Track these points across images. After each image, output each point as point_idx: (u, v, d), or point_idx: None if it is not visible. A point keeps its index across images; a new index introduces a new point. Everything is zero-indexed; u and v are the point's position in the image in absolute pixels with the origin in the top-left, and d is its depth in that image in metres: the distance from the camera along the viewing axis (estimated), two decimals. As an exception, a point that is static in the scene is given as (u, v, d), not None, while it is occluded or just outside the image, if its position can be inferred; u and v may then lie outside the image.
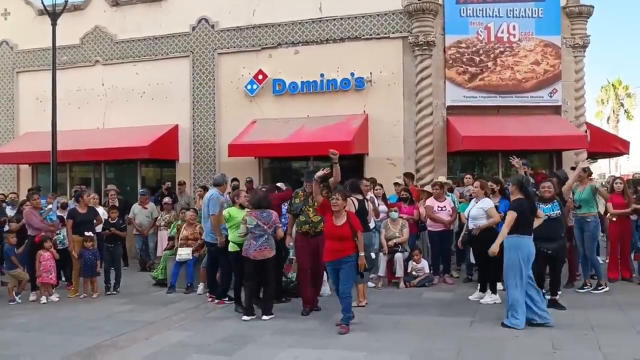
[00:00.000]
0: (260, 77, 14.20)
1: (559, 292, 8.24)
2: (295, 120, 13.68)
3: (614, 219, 9.70)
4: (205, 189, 12.54)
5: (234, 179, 12.60)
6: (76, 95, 15.73)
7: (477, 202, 8.56)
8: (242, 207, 8.56)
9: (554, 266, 8.03)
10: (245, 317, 7.82)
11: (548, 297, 7.99)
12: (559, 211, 7.97)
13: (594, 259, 9.13)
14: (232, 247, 8.31)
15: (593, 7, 13.27)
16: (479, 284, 8.78)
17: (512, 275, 7.03)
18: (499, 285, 8.49)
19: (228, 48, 14.62)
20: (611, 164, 50.73)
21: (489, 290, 8.51)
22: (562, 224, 8.15)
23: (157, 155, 14.41)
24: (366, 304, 8.40)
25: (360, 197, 8.79)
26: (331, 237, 7.29)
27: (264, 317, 7.80)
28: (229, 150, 13.32)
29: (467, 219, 8.62)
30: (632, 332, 6.77)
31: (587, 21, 13.37)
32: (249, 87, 14.27)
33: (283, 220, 8.85)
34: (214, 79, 14.68)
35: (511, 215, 7.01)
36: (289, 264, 9.15)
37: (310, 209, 8.10)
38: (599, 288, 8.85)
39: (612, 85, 53.19)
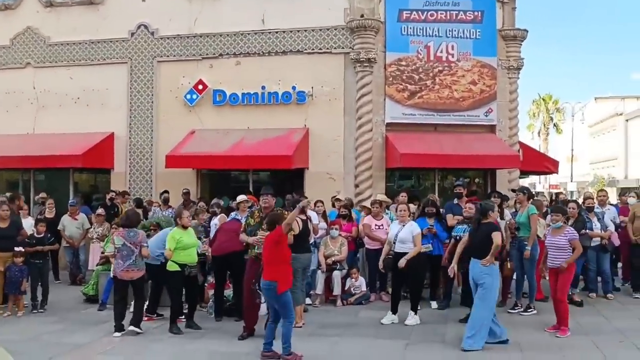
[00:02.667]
0: (200, 87, 13.98)
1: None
2: (235, 131, 13.53)
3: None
4: (139, 203, 12.24)
5: (165, 192, 12.35)
6: (5, 98, 15.04)
7: (403, 225, 8.59)
8: (184, 227, 8.35)
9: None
10: (116, 334, 7.99)
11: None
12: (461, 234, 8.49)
13: (533, 281, 9.40)
14: (172, 267, 8.12)
15: (527, 31, 13.77)
16: (391, 308, 8.74)
17: (491, 298, 7.33)
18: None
19: (168, 56, 14.32)
20: (540, 176, 52.82)
21: (411, 312, 8.56)
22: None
23: (91, 164, 13.97)
24: (303, 324, 8.37)
25: (303, 217, 8.72)
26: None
27: (130, 328, 8.01)
28: (167, 161, 13.04)
29: (394, 242, 8.59)
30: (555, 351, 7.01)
31: (521, 44, 13.86)
32: (188, 96, 14.02)
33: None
34: (152, 87, 14.34)
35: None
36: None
37: (263, 232, 7.82)
38: (529, 310, 9.12)
39: (543, 99, 55.44)
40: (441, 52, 13.45)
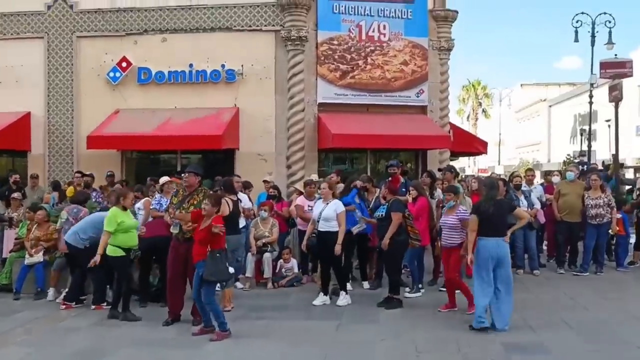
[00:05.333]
0: (124, 64, 13.32)
1: (407, 290, 8.72)
2: (162, 111, 13.01)
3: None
4: (57, 185, 11.47)
5: (85, 174, 11.61)
6: None
7: (327, 204, 8.42)
8: (125, 209, 7.86)
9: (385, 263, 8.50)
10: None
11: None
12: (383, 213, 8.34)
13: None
14: (117, 252, 7.63)
15: (457, 12, 13.88)
16: (321, 289, 8.58)
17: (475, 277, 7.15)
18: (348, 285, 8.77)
19: (89, 31, 13.56)
20: (470, 159, 54.23)
21: (341, 292, 8.42)
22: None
23: (5, 146, 13.12)
24: (232, 308, 8.08)
25: (234, 197, 8.41)
26: (195, 238, 6.95)
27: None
28: (88, 142, 12.38)
29: (318, 221, 8.38)
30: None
31: (452, 25, 13.95)
32: (111, 74, 13.33)
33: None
34: (72, 65, 13.55)
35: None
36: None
37: (184, 211, 7.44)
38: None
39: (472, 85, 56.77)
40: (373, 31, 13.34)
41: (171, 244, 7.58)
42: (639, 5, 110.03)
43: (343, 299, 8.32)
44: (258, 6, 13.09)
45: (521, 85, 62.39)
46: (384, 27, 13.38)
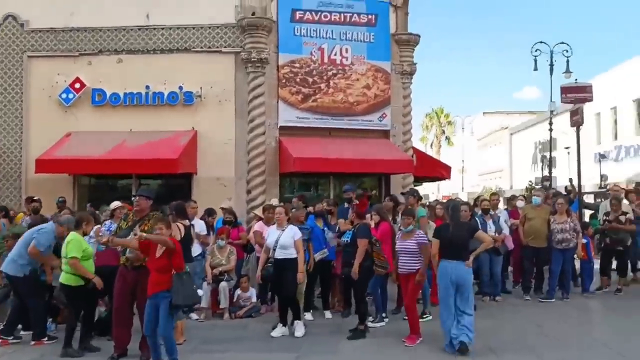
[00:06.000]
0: (77, 85, 12.79)
1: (371, 319, 8.24)
2: (116, 134, 12.48)
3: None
4: (5, 211, 10.78)
5: (34, 200, 10.95)
6: None
7: (283, 230, 8.03)
8: (84, 234, 7.37)
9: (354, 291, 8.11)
10: None
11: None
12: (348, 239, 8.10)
13: (425, 285, 9.14)
14: (77, 281, 7.06)
15: (419, 36, 13.81)
16: (280, 319, 8.14)
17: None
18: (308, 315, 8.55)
19: (40, 51, 13.01)
20: (434, 185, 54.59)
21: (296, 321, 7.96)
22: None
23: (-53, 169, 12.35)
24: (184, 341, 7.56)
25: (187, 222, 7.94)
26: (151, 268, 6.45)
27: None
28: (37, 166, 11.78)
29: (274, 249, 7.93)
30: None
31: (414, 49, 13.88)
32: (64, 96, 12.79)
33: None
34: (21, 85, 12.96)
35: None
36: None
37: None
38: (424, 316, 8.82)
39: (436, 113, 57.48)
40: (335, 54, 13.16)
41: (118, 272, 7.07)
42: (594, 35, 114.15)
43: (300, 329, 7.87)
44: (217, 27, 12.78)
45: (483, 113, 63.44)
46: (347, 51, 13.22)
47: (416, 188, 12.95)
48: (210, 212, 10.00)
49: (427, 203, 12.78)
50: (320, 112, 13.01)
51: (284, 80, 12.81)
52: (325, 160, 12.09)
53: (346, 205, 9.90)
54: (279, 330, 7.94)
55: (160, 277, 6.30)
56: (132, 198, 7.54)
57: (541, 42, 21.78)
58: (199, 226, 9.21)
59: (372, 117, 13.40)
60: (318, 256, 8.61)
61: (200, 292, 6.70)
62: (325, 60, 13.09)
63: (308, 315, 8.96)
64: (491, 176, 58.10)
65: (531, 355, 6.87)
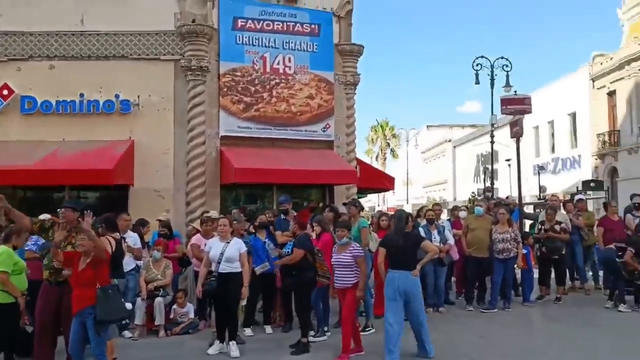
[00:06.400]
0: (5, 92, 12.12)
1: (312, 334, 7.98)
2: (48, 144, 11.86)
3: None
4: None
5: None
6: None
7: (228, 242, 7.71)
8: (15, 248, 6.87)
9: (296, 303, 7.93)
10: None
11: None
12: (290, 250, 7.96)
13: (367, 299, 8.98)
14: (7, 299, 6.54)
15: (363, 46, 13.77)
16: (217, 336, 7.72)
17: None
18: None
19: (-37, 55, 12.28)
20: (379, 197, 55.03)
21: (233, 342, 7.54)
22: (304, 261, 7.79)
23: None
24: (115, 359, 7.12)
25: (117, 235, 7.49)
26: (74, 283, 6.01)
27: None
28: (-43, 177, 11.00)
29: (219, 262, 7.54)
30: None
31: (357, 60, 13.84)
32: (-10, 103, 12.08)
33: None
34: (-57, 91, 12.17)
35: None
36: None
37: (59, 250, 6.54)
38: (366, 329, 8.64)
39: (381, 126, 58.08)
40: (278, 64, 12.96)
41: (41, 287, 6.60)
42: (533, 51, 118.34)
43: (235, 350, 7.50)
44: (156, 34, 12.38)
45: (427, 126, 64.56)
46: (289, 60, 13.05)
47: (358, 199, 12.85)
48: (142, 223, 9.56)
49: (372, 213, 12.71)
50: (263, 121, 12.76)
51: (225, 89, 12.51)
52: (267, 170, 11.83)
53: (283, 216, 9.66)
54: (216, 347, 7.59)
55: (85, 291, 5.89)
56: (58, 210, 7.07)
57: (482, 56, 22.15)
58: (132, 239, 8.77)
59: (316, 128, 13.24)
60: (259, 269, 8.32)
61: (129, 305, 6.29)
62: (268, 69, 12.87)
63: (248, 331, 8.66)
64: (435, 188, 59.07)
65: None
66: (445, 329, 8.73)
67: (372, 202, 57.04)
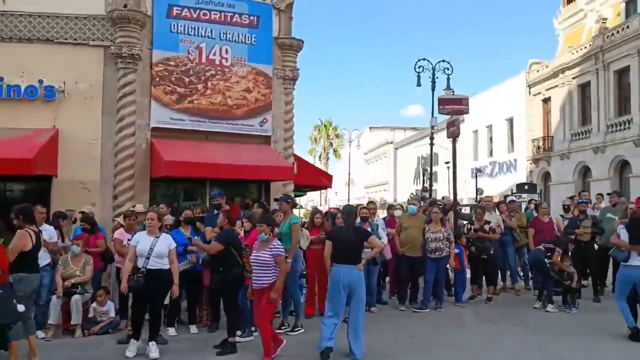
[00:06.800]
0: None
1: (239, 334, 7.72)
2: (-38, 131, 11.04)
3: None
4: None
5: None
6: None
7: (157, 237, 7.29)
8: None
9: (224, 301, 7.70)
10: None
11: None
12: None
13: (298, 298, 8.74)
14: None
15: (303, 41, 13.51)
16: (132, 334, 7.36)
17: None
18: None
19: None
20: (321, 197, 55.04)
21: (151, 343, 7.17)
22: (230, 257, 7.50)
23: None
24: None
25: (36, 228, 7.01)
26: None
27: None
28: None
29: (147, 257, 7.15)
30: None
31: (297, 54, 13.55)
32: None
33: None
34: None
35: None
36: None
37: None
38: (295, 329, 8.40)
39: (324, 125, 58.09)
40: (214, 55, 12.52)
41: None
42: (476, 57, 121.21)
43: (155, 350, 7.10)
44: (85, 18, 11.73)
45: (370, 128, 65.08)
46: (226, 52, 12.63)
47: (298, 196, 12.63)
48: (61, 216, 9.01)
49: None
50: (197, 114, 12.30)
51: (157, 79, 11.98)
52: (200, 164, 11.37)
53: (215, 212, 9.29)
54: (134, 347, 7.15)
55: None
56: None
57: (424, 59, 22.27)
58: (48, 233, 8.22)
59: (253, 122, 12.88)
60: (182, 266, 7.94)
61: (20, 307, 5.81)
62: (204, 60, 12.41)
63: (172, 331, 8.29)
64: (377, 189, 59.57)
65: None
66: (376, 329, 8.58)
67: (314, 202, 56.98)
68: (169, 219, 8.65)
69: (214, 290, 8.19)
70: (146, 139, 11.84)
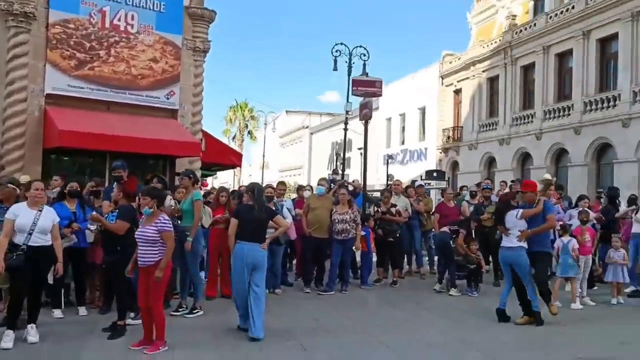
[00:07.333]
0: None
1: (132, 316, 7.28)
2: None
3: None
4: None
5: None
6: None
7: (40, 210, 6.60)
8: None
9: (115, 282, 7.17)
10: None
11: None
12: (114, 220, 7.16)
13: (198, 278, 8.31)
14: None
15: (215, 12, 12.96)
16: (7, 323, 6.52)
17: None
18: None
19: None
20: (235, 179, 54.20)
21: (32, 325, 6.51)
22: (119, 238, 7.01)
23: None
24: None
25: None
26: None
27: None
28: None
29: (30, 233, 6.42)
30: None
31: (208, 25, 13.00)
32: None
33: None
34: None
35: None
36: None
37: None
38: (194, 312, 7.98)
39: (240, 106, 57.13)
40: (119, 20, 11.76)
41: None
42: (391, 46, 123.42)
43: (35, 334, 6.46)
44: (-28, -31, 10.65)
45: (286, 111, 64.74)
46: (132, 18, 11.88)
47: (216, 181, 12.08)
48: None
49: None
50: (98, 82, 11.50)
51: (54, 42, 11.08)
52: (99, 136, 10.63)
53: (115, 185, 8.66)
54: (11, 337, 6.39)
55: None
56: None
57: (341, 43, 22.10)
58: None
59: (159, 94, 12.22)
60: (64, 243, 7.27)
61: None
62: (107, 24, 11.61)
63: (57, 312, 7.64)
64: (291, 173, 59.44)
65: (300, 351, 6.42)
66: (280, 312, 8.34)
67: (227, 184, 56.08)
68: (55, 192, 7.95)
69: (106, 269, 7.62)
70: (39, 106, 10.95)
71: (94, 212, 7.66)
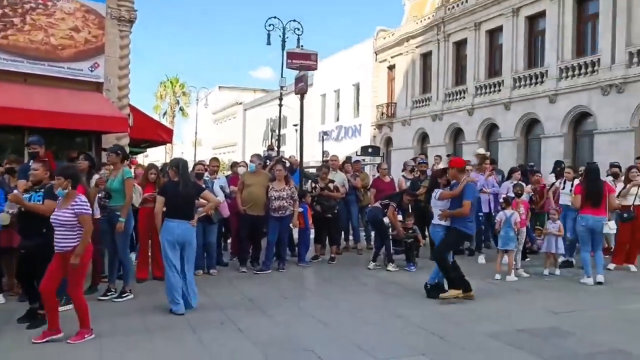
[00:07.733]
0: None
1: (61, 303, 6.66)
2: None
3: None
4: None
5: None
6: None
7: None
8: None
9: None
10: None
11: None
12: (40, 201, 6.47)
13: (126, 260, 7.84)
14: None
15: (141, -21, 12.23)
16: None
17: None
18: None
19: None
20: (166, 156, 52.80)
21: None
22: (43, 220, 6.41)
23: None
24: None
25: None
26: None
27: None
28: None
29: None
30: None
31: (135, -7, 12.26)
32: None
33: None
34: None
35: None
36: None
37: None
38: (123, 295, 7.56)
39: (170, 82, 55.48)
40: (35, -15, 10.88)
41: None
42: (326, 19, 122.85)
43: None
44: None
45: (219, 87, 63.48)
46: (50, -18, 11.05)
47: (138, 153, 11.51)
48: None
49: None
50: (12, 52, 10.63)
51: (-39, 7, 10.17)
52: (14, 110, 9.82)
53: (32, 163, 8.02)
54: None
55: None
56: None
57: (275, 17, 21.60)
58: None
59: (82, 66, 11.45)
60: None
61: None
62: (21, -10, 10.75)
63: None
64: (225, 150, 58.51)
65: (235, 332, 6.16)
66: (214, 293, 8.06)
67: (159, 161, 54.53)
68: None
69: (25, 255, 7.05)
70: (-54, 77, 10.03)
71: (15, 191, 7.06)
